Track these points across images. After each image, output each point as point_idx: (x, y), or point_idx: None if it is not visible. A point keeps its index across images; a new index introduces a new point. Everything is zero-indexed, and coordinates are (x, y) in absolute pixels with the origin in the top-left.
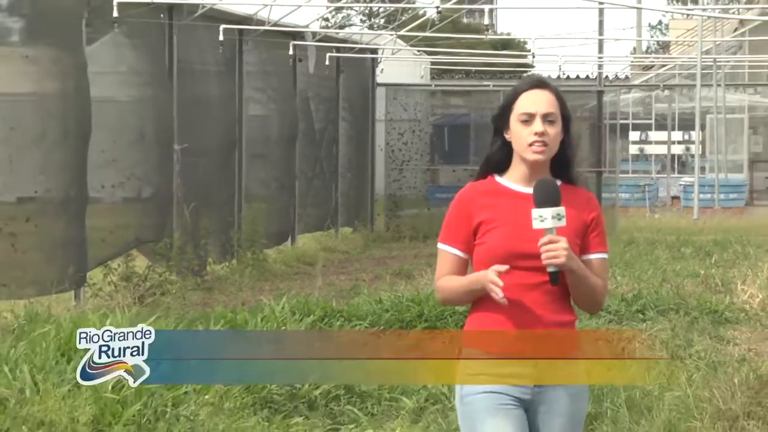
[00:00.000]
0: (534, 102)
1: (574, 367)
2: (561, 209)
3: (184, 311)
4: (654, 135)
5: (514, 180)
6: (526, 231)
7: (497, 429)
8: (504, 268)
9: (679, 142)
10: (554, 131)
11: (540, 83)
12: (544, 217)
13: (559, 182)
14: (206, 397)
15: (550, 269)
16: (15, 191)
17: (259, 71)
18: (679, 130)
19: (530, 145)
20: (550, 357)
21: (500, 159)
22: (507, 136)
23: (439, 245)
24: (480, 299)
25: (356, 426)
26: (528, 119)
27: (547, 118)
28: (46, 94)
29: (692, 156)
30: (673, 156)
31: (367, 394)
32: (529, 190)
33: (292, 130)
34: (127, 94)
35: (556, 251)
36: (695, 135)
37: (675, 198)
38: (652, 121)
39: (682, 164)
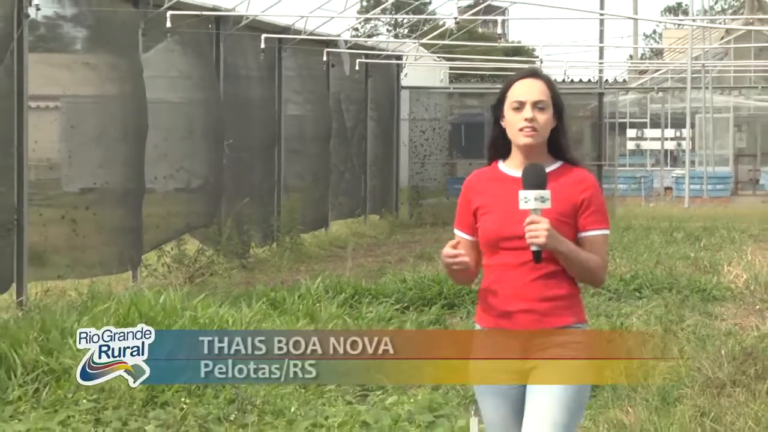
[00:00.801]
0: (525, 90)
1: (564, 333)
2: (545, 192)
3: (229, 290)
4: (649, 132)
5: (512, 165)
6: (514, 214)
7: (492, 408)
8: (453, 242)
9: (671, 139)
10: (544, 118)
11: (532, 73)
12: (527, 199)
13: (559, 164)
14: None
15: (533, 248)
16: (77, 183)
17: (296, 75)
18: (672, 127)
19: (520, 130)
20: (536, 328)
21: (500, 145)
22: (503, 124)
23: (454, 229)
24: (483, 276)
25: (383, 392)
26: (519, 107)
27: (537, 106)
28: (106, 96)
29: (683, 151)
30: (666, 151)
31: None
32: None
33: (326, 129)
34: (178, 96)
35: (537, 231)
36: (686, 132)
37: (668, 188)
38: (647, 120)
39: (674, 158)
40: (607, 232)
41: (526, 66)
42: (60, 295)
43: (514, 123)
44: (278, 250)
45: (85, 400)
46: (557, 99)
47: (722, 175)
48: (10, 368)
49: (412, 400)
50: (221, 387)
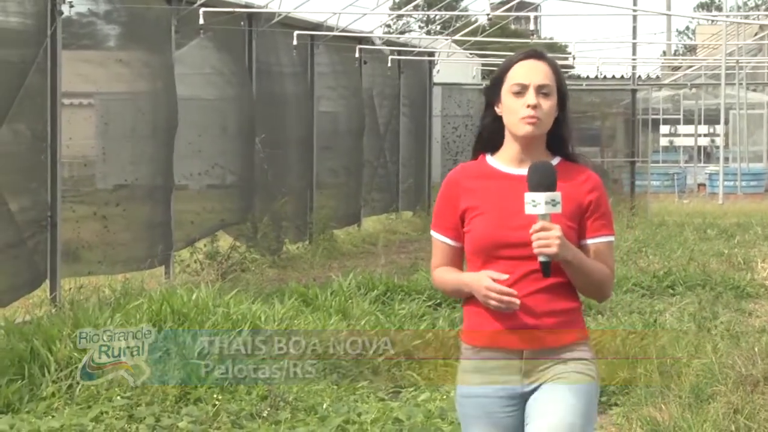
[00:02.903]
0: (528, 72)
1: (567, 351)
2: (557, 194)
3: (261, 286)
4: (682, 129)
5: (506, 160)
6: (514, 217)
7: None
8: (503, 277)
9: (705, 135)
10: (548, 105)
11: (536, 54)
12: (537, 202)
13: (558, 159)
14: (282, 363)
15: (541, 259)
16: (110, 179)
17: (329, 72)
18: (705, 124)
19: (522, 118)
20: (538, 347)
21: (491, 136)
22: (498, 110)
23: (431, 231)
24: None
25: (415, 389)
26: (521, 90)
27: (541, 90)
28: (138, 93)
29: (717, 147)
30: (699, 147)
31: (425, 361)
32: (520, 172)
33: (360, 125)
34: (211, 93)
35: (548, 239)
36: (720, 129)
37: (701, 185)
38: (681, 116)
39: (707, 155)
40: (613, 238)
41: (558, 62)
42: (93, 291)
43: (514, 109)
44: (311, 246)
45: (118, 397)
46: (562, 85)
47: (756, 172)
48: (43, 364)
49: (444, 396)
50: (254, 383)
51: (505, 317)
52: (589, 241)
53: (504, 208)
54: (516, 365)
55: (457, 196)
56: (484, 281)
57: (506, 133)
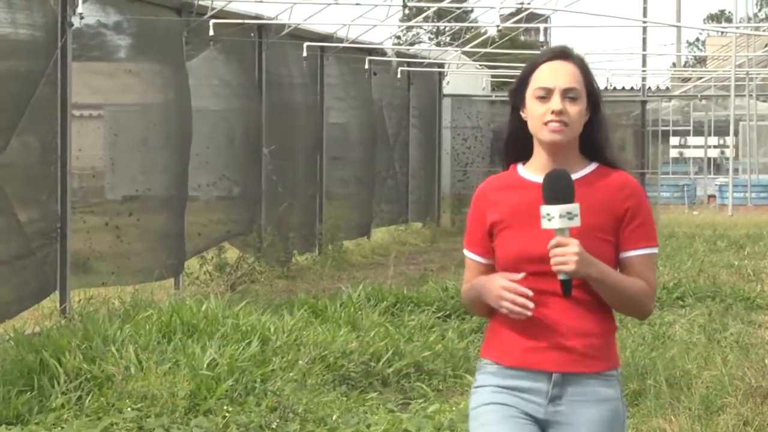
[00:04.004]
0: (553, 75)
1: (599, 384)
2: (573, 206)
3: (270, 297)
4: (692, 140)
5: (535, 169)
6: (539, 230)
7: None
8: (518, 276)
9: (715, 147)
10: (576, 109)
11: (562, 53)
12: (551, 216)
13: (593, 166)
14: (291, 374)
15: (560, 277)
16: (118, 190)
17: (338, 83)
18: (715, 135)
19: (545, 124)
20: (568, 371)
21: (519, 143)
22: (524, 115)
23: (464, 250)
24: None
25: (425, 400)
26: (545, 95)
27: (567, 94)
28: (148, 104)
29: (727, 159)
30: (709, 159)
31: (434, 372)
32: None
33: (369, 136)
34: (219, 104)
35: (564, 256)
36: (730, 140)
37: (711, 196)
38: (690, 128)
39: (717, 166)
40: (655, 250)
41: None
42: (103, 302)
43: (538, 115)
44: (320, 257)
45: (128, 408)
46: (592, 86)
47: (766, 183)
48: (53, 376)
49: (453, 408)
50: (263, 395)
51: (534, 336)
52: (628, 254)
53: (528, 219)
54: (543, 389)
55: (484, 210)
56: (499, 280)
57: (534, 140)
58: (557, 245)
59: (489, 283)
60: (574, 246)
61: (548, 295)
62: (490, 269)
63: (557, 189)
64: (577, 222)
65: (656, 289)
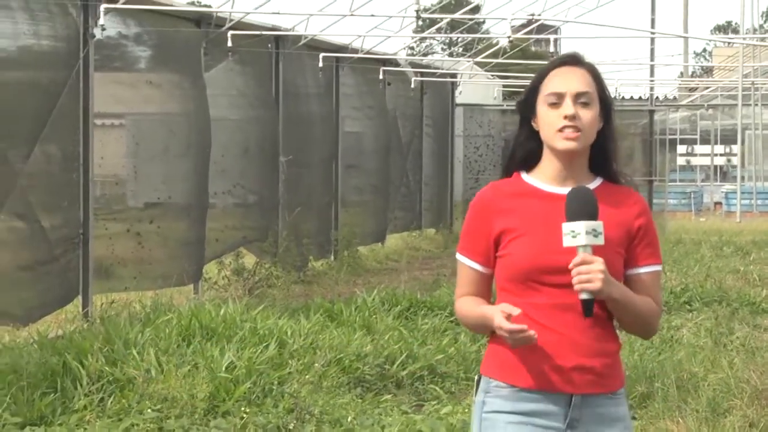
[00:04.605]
0: (564, 80)
1: (612, 404)
2: (598, 224)
3: (287, 302)
4: (699, 148)
5: (546, 178)
6: (558, 240)
7: None
8: (516, 311)
9: (721, 155)
10: (589, 115)
11: (572, 59)
12: (576, 233)
13: (599, 181)
14: (307, 376)
15: (582, 296)
16: (139, 197)
17: (353, 93)
18: (721, 144)
19: (559, 130)
20: (589, 392)
21: (528, 153)
22: (535, 125)
23: (457, 255)
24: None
25: (438, 402)
26: (557, 101)
27: (579, 99)
28: (169, 113)
29: (733, 166)
30: (715, 167)
31: (447, 375)
32: (562, 191)
33: (383, 144)
34: (237, 114)
35: (589, 274)
36: (736, 148)
37: (717, 203)
38: (697, 136)
39: (723, 174)
40: (660, 268)
41: None
42: (124, 306)
43: (550, 122)
44: (336, 263)
45: (148, 410)
46: (604, 93)
47: None
48: (75, 378)
49: (466, 410)
50: (280, 397)
51: (552, 355)
52: (637, 271)
53: (548, 230)
54: (561, 413)
55: (491, 218)
56: (496, 318)
57: (545, 148)
58: (582, 263)
59: (493, 318)
60: (599, 264)
61: (564, 309)
62: (488, 280)
63: (582, 206)
64: (601, 240)
65: (662, 307)
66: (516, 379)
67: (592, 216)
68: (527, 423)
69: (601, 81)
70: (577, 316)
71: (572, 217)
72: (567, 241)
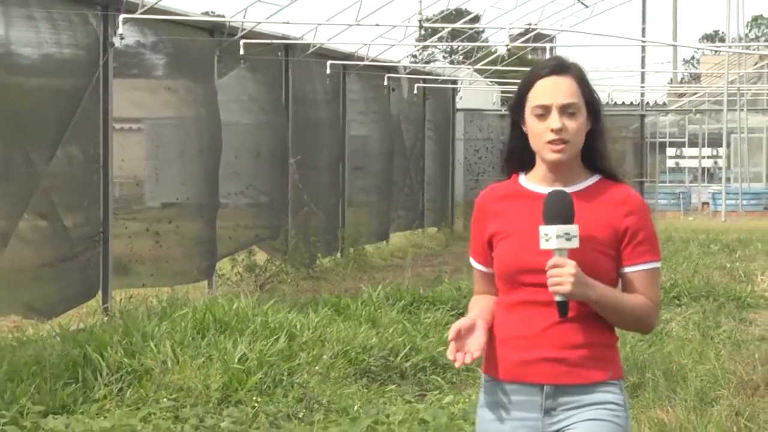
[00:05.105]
0: (550, 92)
1: (594, 392)
2: (571, 228)
3: (296, 297)
4: (687, 151)
5: (536, 180)
6: (538, 241)
7: None
8: (469, 324)
9: (708, 157)
10: (575, 125)
11: (558, 68)
12: (549, 236)
13: (595, 178)
14: (316, 368)
15: (556, 298)
16: (159, 198)
17: (359, 98)
18: (708, 147)
19: (547, 143)
20: (561, 383)
21: (520, 156)
22: (525, 129)
23: (470, 259)
24: (495, 316)
25: (440, 392)
26: (543, 113)
27: (566, 111)
28: (184, 118)
29: (720, 168)
30: (703, 169)
31: (448, 366)
32: (548, 191)
33: (388, 147)
34: (248, 118)
35: (561, 277)
36: (722, 151)
37: (705, 203)
38: (686, 140)
39: (710, 175)
40: (657, 265)
41: None
42: (142, 301)
43: (538, 133)
44: (342, 260)
45: (165, 399)
46: (591, 96)
47: (756, 191)
48: (96, 369)
49: (466, 399)
50: (290, 387)
51: (526, 349)
52: (628, 269)
53: (528, 230)
54: (537, 402)
55: (484, 220)
56: (451, 329)
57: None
58: (554, 266)
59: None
60: (570, 267)
61: (543, 305)
62: (492, 279)
63: (556, 209)
64: (575, 243)
65: (659, 303)
66: (496, 371)
67: (567, 219)
68: (506, 419)
69: (587, 84)
70: (552, 311)
71: (548, 220)
72: (542, 244)
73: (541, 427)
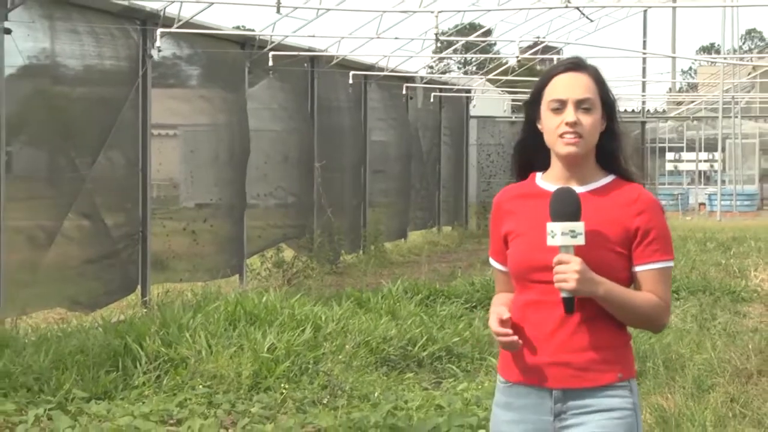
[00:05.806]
0: (566, 87)
1: (604, 396)
2: (576, 225)
3: (321, 291)
4: (685, 155)
5: (552, 179)
6: (546, 238)
7: None
8: (506, 315)
9: (705, 161)
10: (590, 120)
11: (575, 65)
12: (554, 233)
13: (610, 178)
14: (339, 357)
15: (562, 295)
16: (193, 199)
17: (380, 106)
18: (705, 151)
19: (561, 136)
20: (570, 387)
21: (535, 154)
22: (540, 127)
23: (489, 258)
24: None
25: (455, 380)
26: (559, 107)
27: (581, 106)
28: (217, 125)
29: (715, 171)
30: (700, 171)
31: (463, 355)
32: None
33: (406, 152)
34: (277, 125)
35: (565, 274)
36: (718, 155)
37: (702, 204)
38: (684, 145)
39: (707, 178)
40: (668, 264)
41: None
42: (178, 295)
43: (552, 127)
44: (364, 256)
45: (200, 386)
46: (607, 96)
47: (750, 193)
48: (135, 358)
49: (479, 387)
50: (315, 375)
51: (535, 352)
52: (640, 268)
53: (538, 228)
54: (547, 405)
55: (501, 220)
56: (491, 320)
57: (552, 151)
58: (559, 263)
59: (490, 317)
60: (575, 264)
61: (552, 306)
62: (510, 277)
63: (562, 206)
64: (580, 240)
65: (670, 302)
66: (508, 374)
67: (573, 216)
68: (519, 421)
69: (604, 83)
70: (560, 312)
71: (554, 217)
72: (549, 241)
73: (552, 430)
